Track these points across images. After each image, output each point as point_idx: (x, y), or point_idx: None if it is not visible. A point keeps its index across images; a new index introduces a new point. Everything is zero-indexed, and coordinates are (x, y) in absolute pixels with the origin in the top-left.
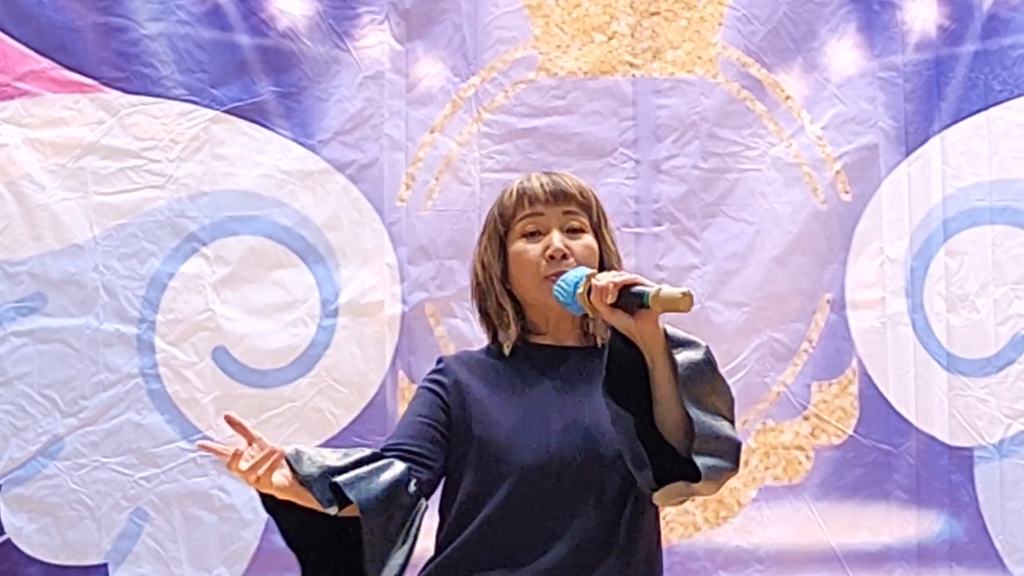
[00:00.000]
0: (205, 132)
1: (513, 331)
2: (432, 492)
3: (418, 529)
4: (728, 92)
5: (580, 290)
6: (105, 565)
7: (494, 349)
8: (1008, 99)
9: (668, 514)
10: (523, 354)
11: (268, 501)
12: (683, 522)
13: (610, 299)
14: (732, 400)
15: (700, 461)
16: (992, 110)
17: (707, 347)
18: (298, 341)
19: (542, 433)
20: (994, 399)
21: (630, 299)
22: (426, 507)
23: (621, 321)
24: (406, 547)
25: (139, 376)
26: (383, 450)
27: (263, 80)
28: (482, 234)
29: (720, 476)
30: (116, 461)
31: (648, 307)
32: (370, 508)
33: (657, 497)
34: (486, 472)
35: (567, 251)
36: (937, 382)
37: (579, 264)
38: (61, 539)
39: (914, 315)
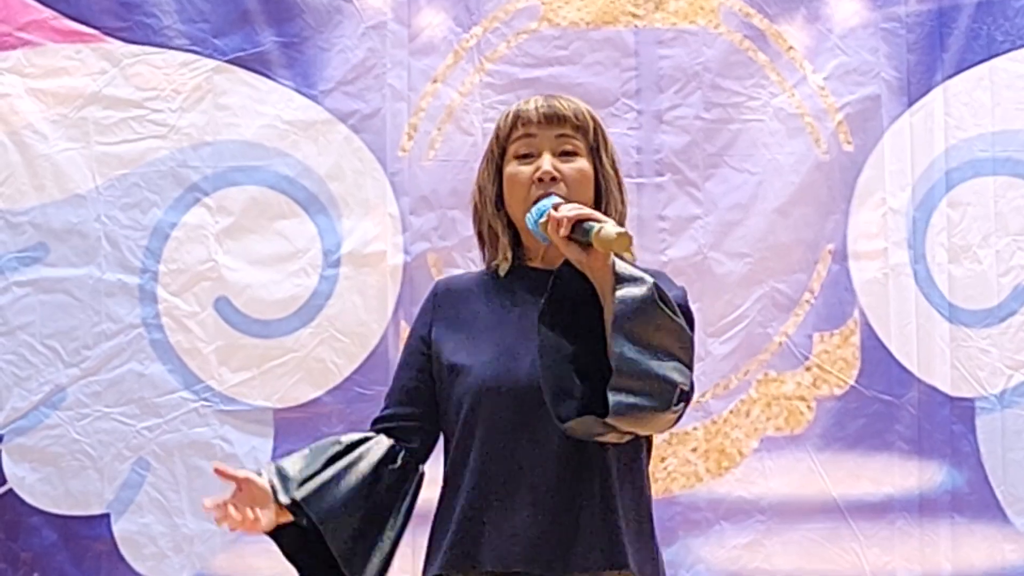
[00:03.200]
0: (207, 82)
1: (507, 253)
2: (429, 453)
3: (413, 501)
4: (730, 42)
5: (543, 219)
6: (107, 515)
7: (488, 271)
8: (1010, 50)
9: (670, 464)
10: (517, 277)
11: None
12: (685, 472)
13: (563, 232)
14: (686, 339)
15: (614, 398)
16: (995, 61)
17: (654, 283)
18: (300, 291)
19: (512, 359)
20: (996, 350)
21: (580, 234)
22: (422, 475)
23: (573, 254)
24: (396, 528)
25: (141, 326)
26: (375, 420)
27: (265, 30)
28: (482, 158)
29: (640, 415)
30: (118, 411)
31: (591, 244)
32: (330, 518)
33: (568, 428)
34: (457, 397)
35: (556, 174)
36: (939, 333)
37: (569, 188)
38: (63, 489)
39: (916, 266)
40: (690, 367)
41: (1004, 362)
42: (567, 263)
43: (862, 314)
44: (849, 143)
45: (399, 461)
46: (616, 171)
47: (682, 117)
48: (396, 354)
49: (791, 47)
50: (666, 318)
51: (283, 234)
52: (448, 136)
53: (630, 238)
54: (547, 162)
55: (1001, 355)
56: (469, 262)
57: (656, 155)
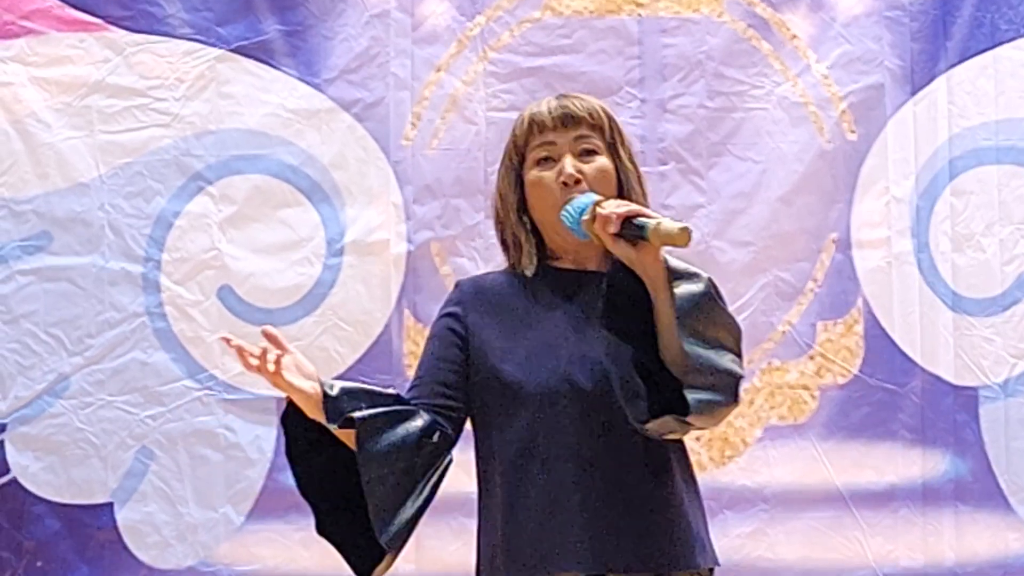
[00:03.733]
0: (211, 71)
1: (532, 259)
2: (455, 443)
3: (438, 484)
4: (734, 31)
5: (586, 217)
6: (111, 504)
7: (513, 272)
8: (1015, 38)
9: None
10: (544, 278)
11: (291, 443)
12: None
13: (612, 229)
14: (738, 332)
15: (691, 396)
16: (999, 49)
17: (709, 279)
18: (303, 280)
19: (556, 360)
20: (999, 338)
21: (632, 230)
22: (450, 461)
23: (623, 251)
24: (420, 500)
25: (145, 315)
26: (408, 398)
27: (269, 19)
28: (500, 164)
29: (714, 410)
30: (122, 400)
31: (647, 239)
32: (372, 455)
33: (649, 429)
34: (503, 409)
35: (579, 176)
36: (942, 322)
37: (592, 187)
38: (67, 478)
39: (920, 255)
40: (741, 356)
41: (1008, 351)
42: (616, 265)
43: (865, 303)
44: (853, 132)
45: (436, 438)
46: (634, 164)
47: (686, 106)
48: (399, 343)
49: (795, 36)
50: (721, 311)
51: (286, 223)
52: (451, 125)
53: (690, 232)
54: (569, 165)
55: (1005, 344)
56: (472, 251)
57: (660, 144)
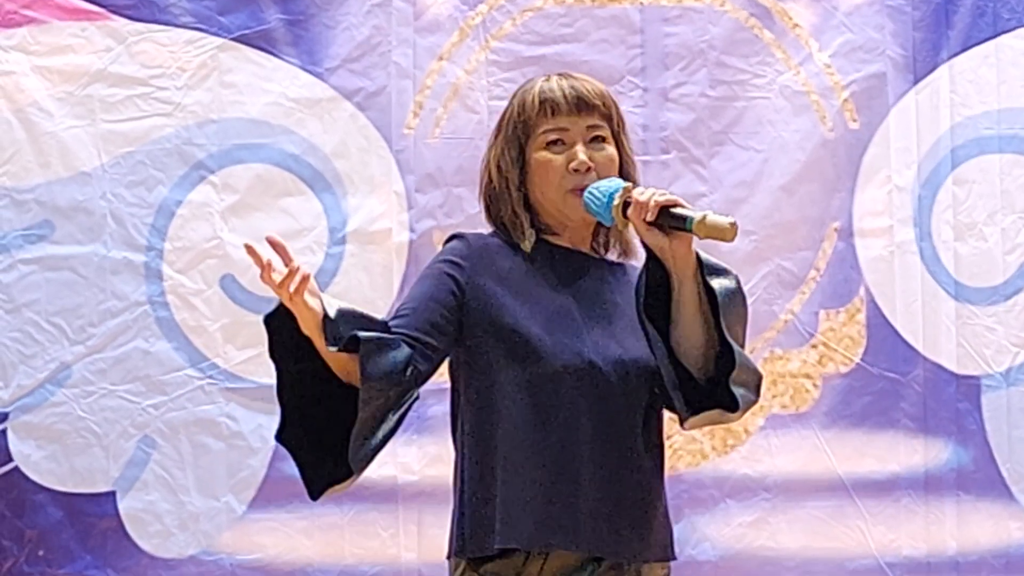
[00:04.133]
0: (212, 60)
1: (530, 235)
2: (425, 383)
3: (403, 417)
4: (736, 20)
5: (616, 202)
6: (113, 492)
7: (505, 238)
8: (1017, 27)
9: (675, 442)
10: (541, 253)
11: (279, 348)
12: (691, 450)
13: (649, 217)
14: (747, 330)
15: (738, 392)
16: (1001, 38)
17: (737, 276)
18: (306, 269)
19: (576, 339)
20: (1001, 327)
21: (670, 219)
22: (417, 397)
23: (655, 239)
24: (387, 430)
25: (147, 304)
26: (391, 326)
27: (271, 8)
28: (497, 135)
29: (750, 406)
30: (124, 388)
31: (690, 231)
32: (372, 377)
33: (690, 423)
34: (522, 368)
35: (591, 164)
36: (945, 311)
37: (600, 175)
38: (69, 466)
39: (922, 243)
40: None
41: (1010, 340)
42: (651, 255)
43: (868, 292)
44: (855, 121)
45: (408, 373)
46: (631, 151)
47: (687, 95)
48: None
49: (797, 24)
50: (746, 311)
51: (288, 212)
52: (453, 114)
53: (737, 227)
54: (582, 153)
55: (1007, 333)
56: None
57: (662, 133)
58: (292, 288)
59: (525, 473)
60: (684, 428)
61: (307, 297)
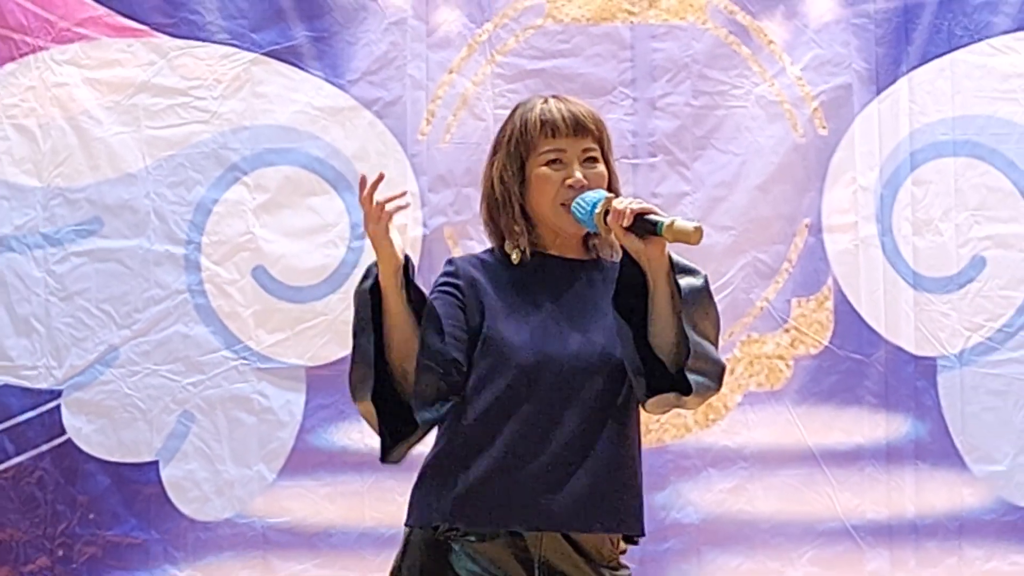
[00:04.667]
0: (245, 72)
1: (524, 244)
2: (462, 390)
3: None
4: (717, 37)
5: (598, 210)
6: (156, 462)
7: (499, 255)
8: (969, 43)
9: (663, 417)
10: (531, 263)
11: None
12: (676, 424)
13: (626, 223)
14: (719, 326)
15: (692, 378)
16: (955, 53)
17: (706, 276)
18: (330, 261)
19: (549, 336)
20: (955, 313)
21: (644, 225)
22: (453, 403)
23: (631, 243)
24: (440, 412)
25: (186, 292)
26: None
27: (298, 25)
28: (497, 150)
29: (706, 393)
30: (166, 368)
31: (660, 235)
32: (427, 344)
33: (649, 404)
34: (489, 366)
35: (585, 182)
36: (904, 298)
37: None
38: (116, 439)
39: (884, 238)
40: (718, 348)
41: (963, 324)
42: (625, 256)
43: (835, 281)
44: (823, 127)
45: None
46: (615, 167)
47: (673, 104)
48: None
49: (771, 41)
50: (713, 307)
51: (314, 209)
52: (462, 121)
53: (702, 231)
54: (577, 171)
55: (960, 318)
56: (481, 235)
57: (650, 138)
58: (386, 212)
59: (487, 456)
60: (645, 410)
61: (394, 237)
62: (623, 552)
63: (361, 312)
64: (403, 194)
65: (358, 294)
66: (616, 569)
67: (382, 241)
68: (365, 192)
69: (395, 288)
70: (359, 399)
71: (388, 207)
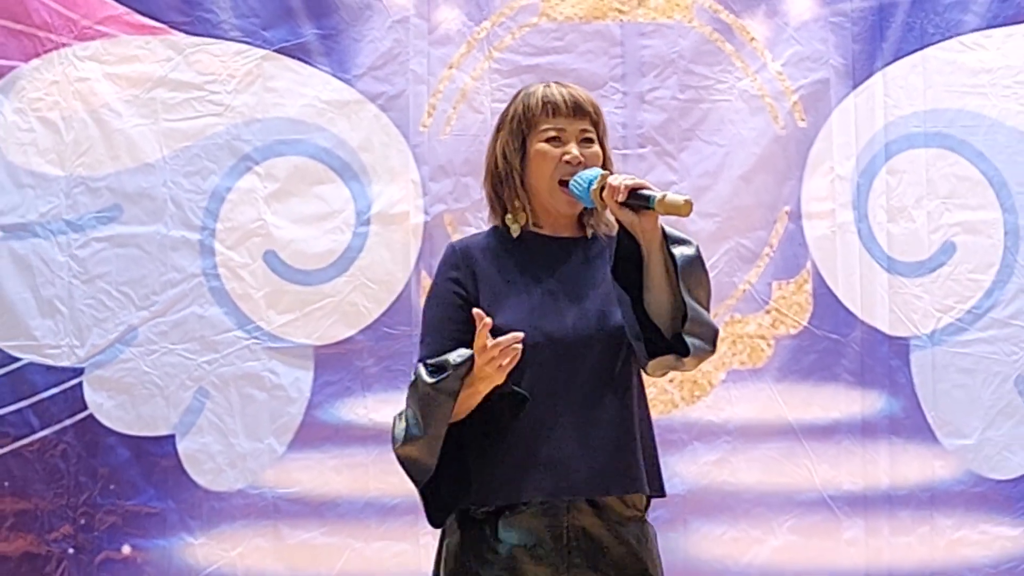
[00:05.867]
0: (257, 68)
1: (524, 218)
2: None
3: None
4: (702, 34)
5: (594, 186)
6: (173, 436)
7: (500, 231)
8: (940, 40)
9: (650, 392)
10: (528, 242)
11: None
12: (663, 400)
13: (620, 197)
14: (711, 292)
15: (690, 341)
16: (927, 50)
17: (697, 245)
18: (336, 246)
19: (547, 314)
20: (927, 296)
21: (637, 199)
22: None
23: (626, 217)
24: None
25: (201, 275)
26: (425, 358)
27: (307, 24)
28: (501, 128)
29: (702, 355)
30: (182, 347)
31: (652, 208)
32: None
33: (650, 366)
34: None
35: (581, 159)
36: (879, 281)
37: (587, 168)
38: (135, 414)
39: (860, 224)
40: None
41: (934, 306)
42: (621, 230)
43: (814, 265)
44: (803, 120)
45: None
46: (610, 150)
47: (661, 98)
48: (417, 299)
49: (753, 38)
50: (705, 274)
51: (322, 197)
52: (461, 114)
53: (692, 204)
54: (575, 149)
55: (932, 300)
56: (480, 221)
57: (639, 130)
58: (504, 362)
59: (503, 435)
60: (646, 373)
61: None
62: (647, 507)
63: (442, 407)
64: (519, 340)
65: (444, 391)
66: (643, 523)
67: (497, 378)
68: (478, 342)
69: (484, 389)
70: (417, 480)
71: (509, 354)
